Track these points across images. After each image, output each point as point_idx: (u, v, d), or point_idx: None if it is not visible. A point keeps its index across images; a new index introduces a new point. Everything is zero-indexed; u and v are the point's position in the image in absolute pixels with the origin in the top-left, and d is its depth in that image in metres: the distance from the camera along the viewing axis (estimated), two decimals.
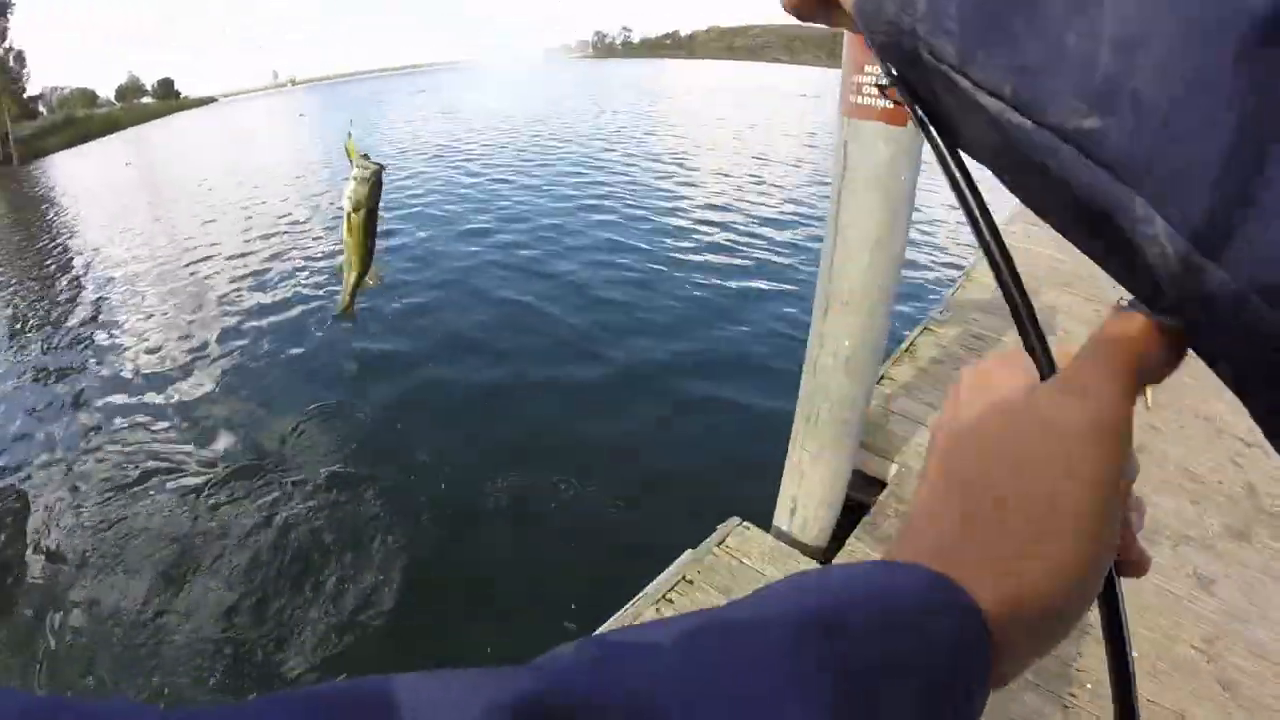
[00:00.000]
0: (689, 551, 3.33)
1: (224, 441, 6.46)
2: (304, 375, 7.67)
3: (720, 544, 3.35)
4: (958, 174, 0.49)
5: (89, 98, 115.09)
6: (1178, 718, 2.94)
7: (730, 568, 3.22)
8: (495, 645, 4.10)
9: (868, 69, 2.59)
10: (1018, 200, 0.44)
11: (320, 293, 10.01)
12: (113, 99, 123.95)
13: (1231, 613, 3.59)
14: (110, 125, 66.28)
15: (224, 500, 5.63)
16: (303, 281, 10.75)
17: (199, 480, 5.88)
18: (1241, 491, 4.68)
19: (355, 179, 1.50)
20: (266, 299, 10.14)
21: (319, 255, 12.21)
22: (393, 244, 12.01)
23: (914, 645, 0.34)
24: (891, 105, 2.58)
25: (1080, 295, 7.69)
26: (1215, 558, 3.98)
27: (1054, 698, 2.92)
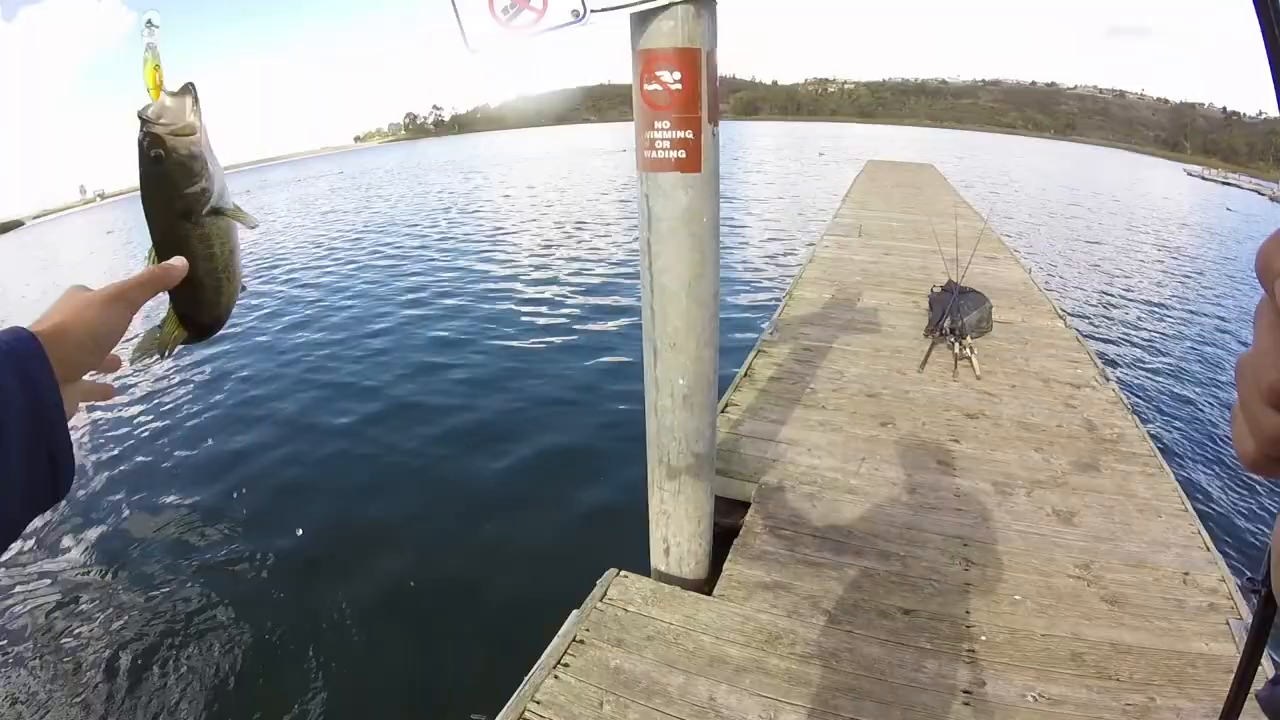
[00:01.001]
0: (574, 612, 3.32)
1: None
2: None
3: (603, 597, 3.35)
4: None
5: None
6: (1075, 641, 3.03)
7: (618, 619, 3.21)
8: None
9: (657, 124, 2.69)
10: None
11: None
12: None
13: (1098, 536, 3.79)
14: None
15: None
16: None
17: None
18: (1081, 429, 4.96)
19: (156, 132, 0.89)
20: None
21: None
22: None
23: None
24: (685, 155, 2.71)
25: (896, 291, 8.08)
26: (1070, 492, 4.19)
27: (955, 657, 2.99)
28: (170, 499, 7.04)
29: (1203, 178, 54.47)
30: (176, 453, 8.21)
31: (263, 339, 12.43)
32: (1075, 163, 64.91)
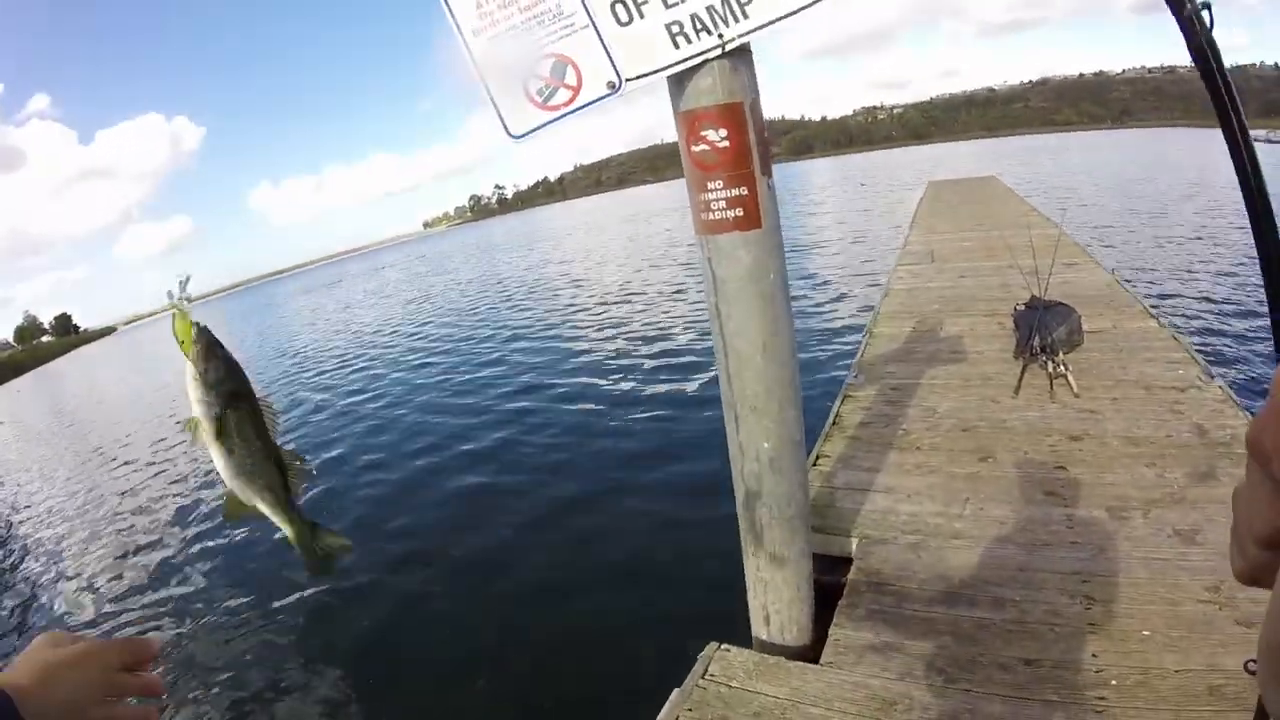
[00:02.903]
0: (676, 691, 3.19)
1: None
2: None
3: (705, 674, 3.23)
4: None
5: None
6: (1211, 673, 2.82)
7: (722, 696, 3.10)
8: None
9: (710, 185, 2.67)
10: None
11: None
12: (12, 340, 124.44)
13: (1225, 552, 3.48)
14: (13, 369, 67.04)
15: None
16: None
17: None
18: (1191, 436, 4.72)
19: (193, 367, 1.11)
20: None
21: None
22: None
23: None
24: (742, 213, 2.66)
25: (979, 315, 7.87)
26: (1190, 508, 3.95)
27: (1085, 706, 2.79)
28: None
29: (1267, 140, 52.45)
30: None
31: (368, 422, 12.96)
32: (1136, 149, 63.42)
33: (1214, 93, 2.20)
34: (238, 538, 8.70)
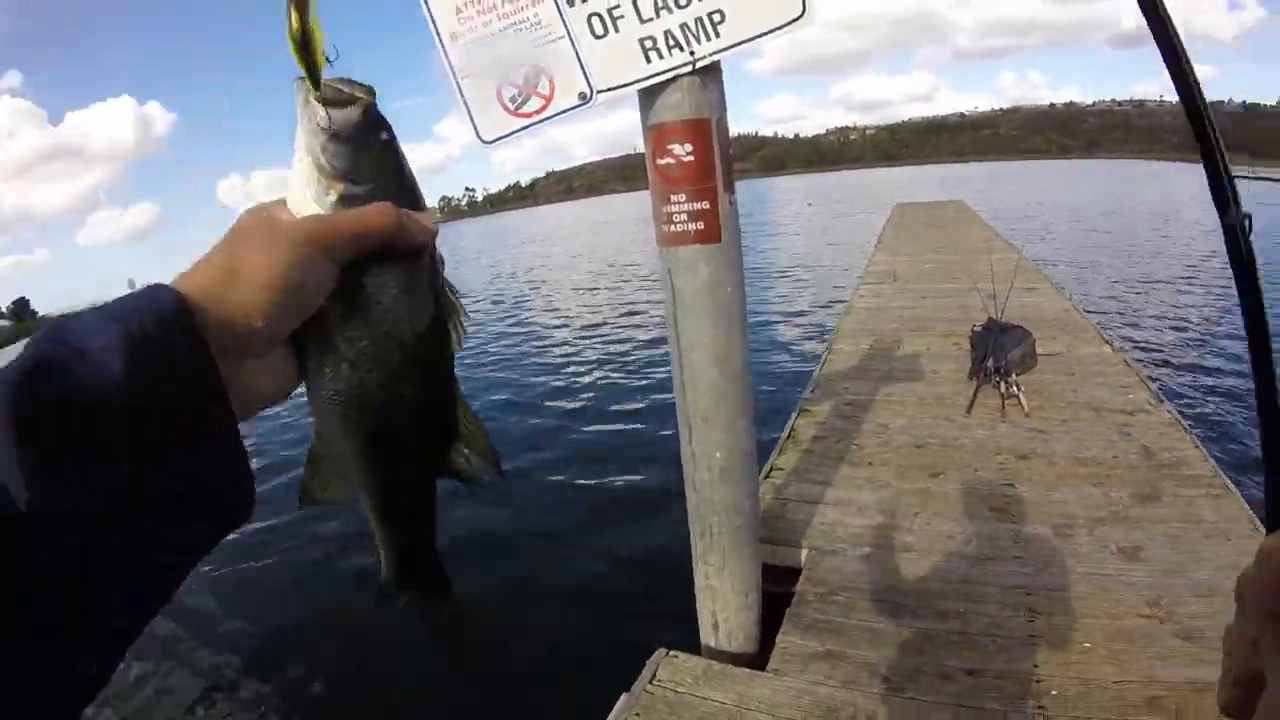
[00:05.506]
0: (623, 696, 3.22)
1: None
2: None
3: (653, 679, 3.26)
4: None
5: None
6: (1150, 684, 2.89)
7: (668, 701, 3.13)
8: None
9: (674, 198, 2.71)
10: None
11: None
12: None
13: (1166, 569, 3.64)
14: None
15: None
16: None
17: None
18: (1138, 458, 4.81)
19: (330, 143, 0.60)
20: None
21: None
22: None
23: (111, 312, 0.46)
24: (703, 226, 2.71)
25: (936, 335, 7.97)
26: (1133, 526, 4.05)
27: (1026, 716, 2.86)
28: None
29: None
30: None
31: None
32: (1102, 180, 64.65)
33: None
34: None
